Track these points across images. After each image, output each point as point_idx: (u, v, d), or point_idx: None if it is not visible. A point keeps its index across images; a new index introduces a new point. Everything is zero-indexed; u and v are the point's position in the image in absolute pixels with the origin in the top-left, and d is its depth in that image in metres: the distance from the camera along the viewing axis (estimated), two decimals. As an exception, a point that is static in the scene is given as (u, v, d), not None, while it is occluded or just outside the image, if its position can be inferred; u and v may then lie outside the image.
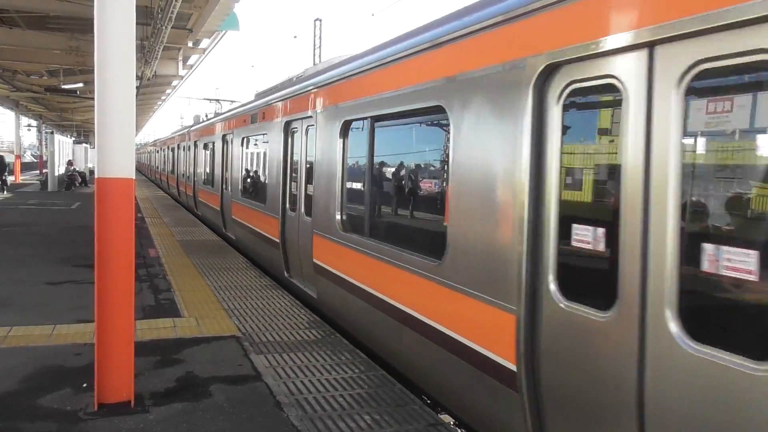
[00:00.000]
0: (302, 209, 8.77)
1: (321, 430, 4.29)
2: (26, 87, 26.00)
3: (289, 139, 9.60)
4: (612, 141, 3.46)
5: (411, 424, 4.45)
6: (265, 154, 11.10)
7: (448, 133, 4.79)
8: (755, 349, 2.59)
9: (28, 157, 69.89)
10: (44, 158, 34.69)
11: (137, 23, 4.69)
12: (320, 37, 37.73)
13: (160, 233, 14.50)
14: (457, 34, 4.67)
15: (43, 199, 23.54)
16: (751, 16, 2.57)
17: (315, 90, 8.08)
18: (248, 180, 12.78)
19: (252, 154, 12.70)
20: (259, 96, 13.10)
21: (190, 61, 23.52)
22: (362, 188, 6.68)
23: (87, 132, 52.73)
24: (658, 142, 3.04)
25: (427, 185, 5.80)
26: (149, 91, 29.80)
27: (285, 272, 9.36)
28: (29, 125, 47.54)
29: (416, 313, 5.17)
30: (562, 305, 3.60)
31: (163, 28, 13.40)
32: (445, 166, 5.13)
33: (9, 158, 33.49)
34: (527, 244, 3.80)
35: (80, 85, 22.58)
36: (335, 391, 5.03)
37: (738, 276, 2.69)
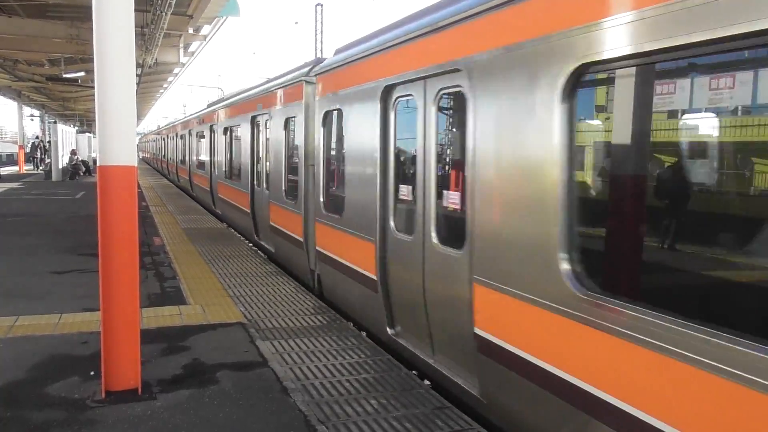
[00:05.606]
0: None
1: (328, 415, 4.30)
2: (28, 76, 25.95)
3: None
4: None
5: (418, 408, 4.46)
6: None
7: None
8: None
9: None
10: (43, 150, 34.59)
11: (136, 10, 4.64)
12: (322, 23, 37.50)
13: (165, 221, 14.52)
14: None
15: (48, 189, 23.59)
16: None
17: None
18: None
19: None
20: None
21: (191, 48, 23.44)
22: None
23: (90, 121, 52.65)
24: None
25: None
26: (151, 79, 29.72)
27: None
28: (32, 115, 47.43)
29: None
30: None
31: (163, 14, 13.33)
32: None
33: (13, 148, 33.47)
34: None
35: (82, 73, 22.50)
36: (341, 376, 5.04)
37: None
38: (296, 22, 57.17)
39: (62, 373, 4.94)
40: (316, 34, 37.24)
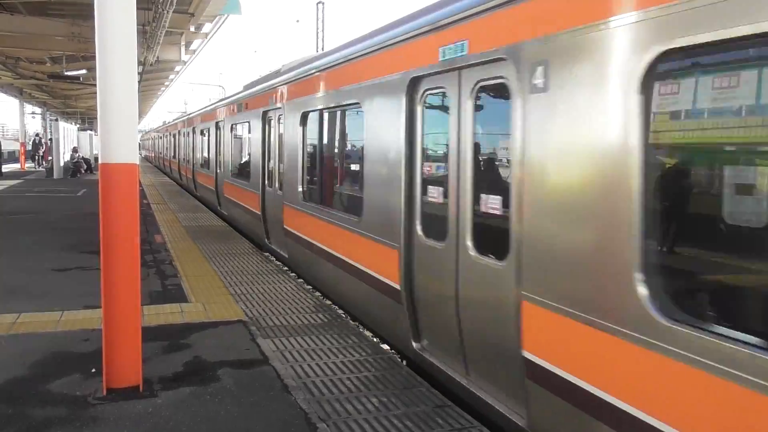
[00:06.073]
0: None
1: (329, 413, 4.31)
2: (29, 74, 25.99)
3: None
4: None
5: (418, 406, 4.47)
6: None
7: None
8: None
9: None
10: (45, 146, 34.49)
11: (138, 8, 4.64)
12: (323, 21, 37.50)
13: (166, 219, 14.53)
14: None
15: (49, 187, 23.60)
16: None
17: None
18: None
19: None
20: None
21: (193, 46, 23.46)
22: None
23: (91, 119, 52.72)
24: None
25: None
26: (152, 77, 29.77)
27: None
28: (33, 113, 47.48)
29: None
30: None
31: (165, 12, 13.34)
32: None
33: (14, 146, 33.51)
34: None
35: (83, 71, 22.55)
36: (342, 374, 5.05)
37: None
38: (297, 20, 56.99)
39: (64, 370, 4.95)
40: (317, 32, 37.24)
